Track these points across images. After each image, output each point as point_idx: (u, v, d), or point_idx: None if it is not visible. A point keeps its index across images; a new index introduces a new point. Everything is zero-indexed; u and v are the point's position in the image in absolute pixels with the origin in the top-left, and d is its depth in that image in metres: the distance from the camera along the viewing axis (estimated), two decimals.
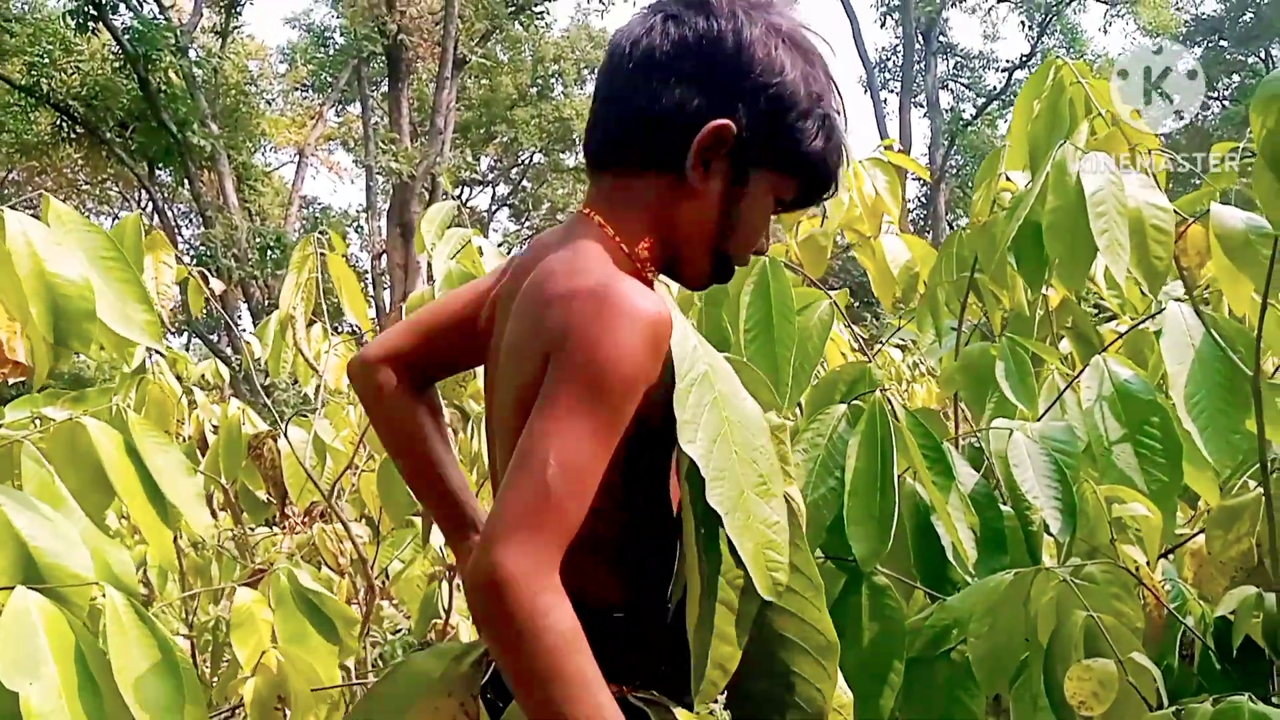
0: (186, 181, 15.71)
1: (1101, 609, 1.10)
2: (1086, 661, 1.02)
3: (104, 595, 1.01)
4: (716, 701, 1.08)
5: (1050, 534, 1.42)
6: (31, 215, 1.21)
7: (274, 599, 1.43)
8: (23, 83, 14.76)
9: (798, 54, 1.01)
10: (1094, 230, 1.23)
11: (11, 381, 1.38)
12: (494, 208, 31.32)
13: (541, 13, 17.13)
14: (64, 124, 15.94)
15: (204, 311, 2.32)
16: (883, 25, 24.37)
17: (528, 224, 31.06)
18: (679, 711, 0.96)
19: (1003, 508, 1.55)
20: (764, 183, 1.03)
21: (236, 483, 2.04)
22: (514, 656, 0.82)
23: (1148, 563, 1.42)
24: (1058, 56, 1.54)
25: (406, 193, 15.97)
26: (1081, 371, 1.68)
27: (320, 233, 2.01)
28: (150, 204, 18.62)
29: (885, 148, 2.14)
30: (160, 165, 15.90)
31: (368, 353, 1.20)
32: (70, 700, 0.92)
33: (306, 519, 2.16)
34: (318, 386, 2.08)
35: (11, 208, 1.20)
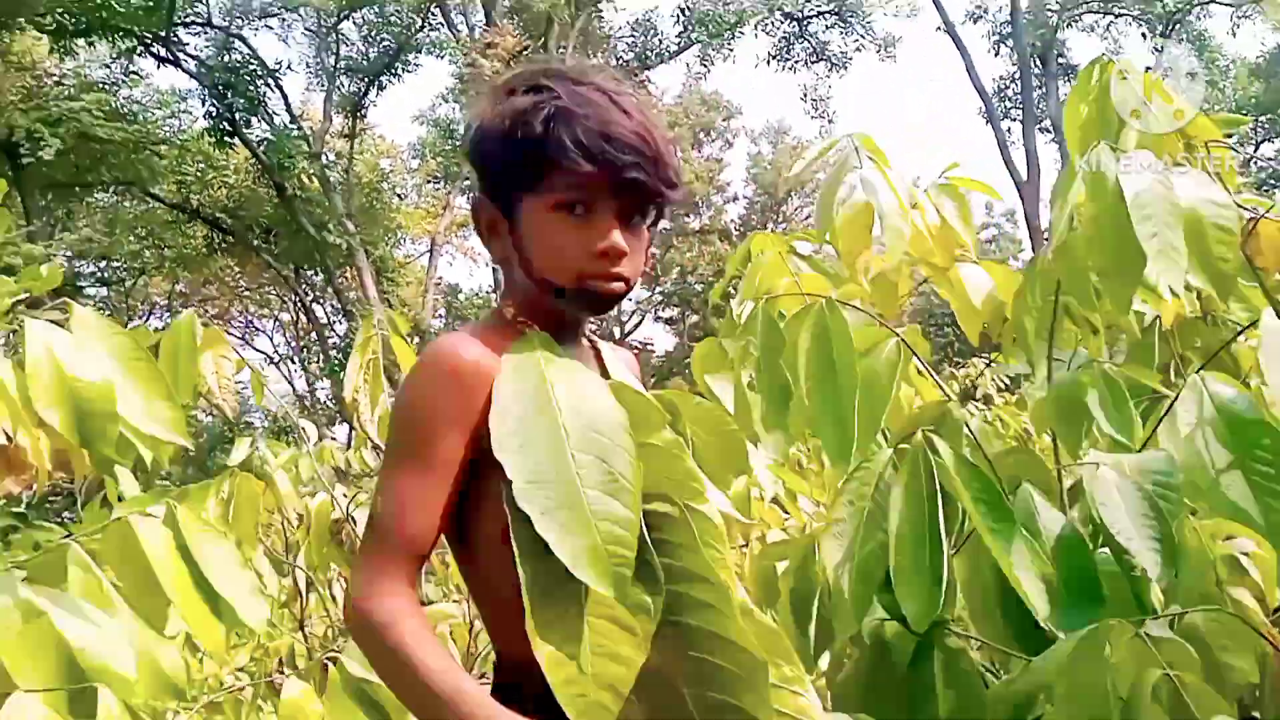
0: (328, 280, 16.49)
1: (1185, 666, 0.96)
2: None
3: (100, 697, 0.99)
4: None
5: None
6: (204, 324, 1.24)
7: (328, 691, 1.41)
8: (174, 200, 15.85)
9: (497, 99, 1.12)
10: (1140, 235, 1.11)
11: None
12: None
13: (642, 81, 17.43)
14: (215, 235, 17.03)
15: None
16: (996, 54, 23.82)
17: (659, 290, 31.40)
18: None
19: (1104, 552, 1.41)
20: (528, 209, 1.09)
21: (317, 569, 2.06)
22: (380, 666, 0.98)
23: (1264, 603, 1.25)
24: (1107, 59, 1.42)
25: None
26: (1178, 395, 1.53)
27: (379, 321, 2.03)
28: (298, 304, 19.62)
29: (950, 170, 2.03)
30: (303, 267, 16.76)
31: None
32: None
33: None
34: None
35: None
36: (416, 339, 14.90)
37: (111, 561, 1.39)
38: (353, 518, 1.99)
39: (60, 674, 1.18)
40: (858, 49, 22.97)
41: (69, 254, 16.90)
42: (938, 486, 1.13)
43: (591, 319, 1.21)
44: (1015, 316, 2.01)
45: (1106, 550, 1.40)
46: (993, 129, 22.82)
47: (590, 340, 1.22)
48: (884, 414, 1.74)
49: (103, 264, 18.44)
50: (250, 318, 27.95)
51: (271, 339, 28.65)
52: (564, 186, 1.06)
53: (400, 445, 1.03)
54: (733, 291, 2.46)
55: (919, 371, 2.26)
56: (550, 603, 0.87)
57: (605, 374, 1.17)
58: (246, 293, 24.40)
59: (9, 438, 1.16)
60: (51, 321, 1.24)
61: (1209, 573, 1.27)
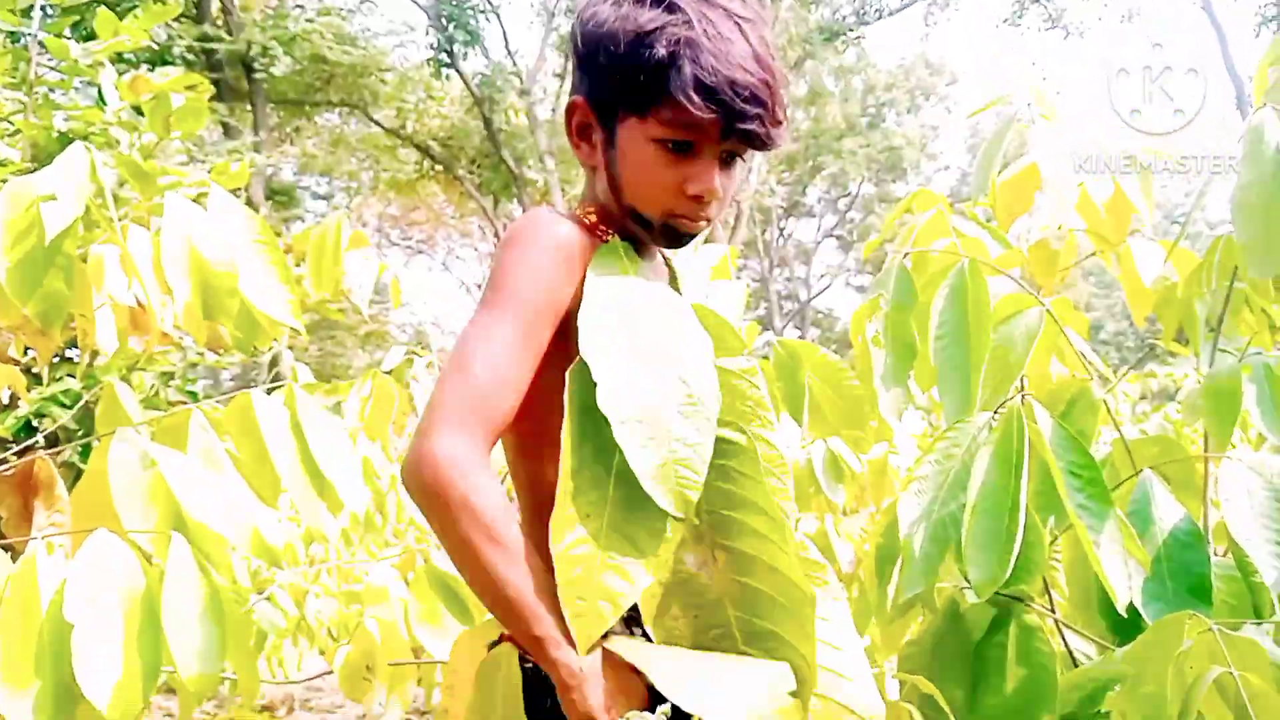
0: (523, 211, 16.98)
1: (1255, 667, 0.87)
2: None
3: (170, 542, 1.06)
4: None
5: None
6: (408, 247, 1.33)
7: (413, 581, 1.46)
8: (392, 125, 16.62)
9: (624, 4, 1.03)
10: None
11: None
12: (820, 239, 31.25)
13: (858, 38, 16.89)
14: (426, 162, 17.78)
15: None
16: (1257, 35, 21.80)
17: (854, 256, 30.71)
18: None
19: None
20: (630, 132, 1.05)
21: None
22: (453, 532, 0.87)
23: None
24: None
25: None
26: None
27: None
28: (495, 235, 20.29)
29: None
30: (501, 199, 17.30)
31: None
32: (129, 640, 0.98)
33: None
34: None
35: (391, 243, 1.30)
36: None
37: (231, 433, 1.48)
38: None
39: (164, 524, 1.26)
40: (1098, 18, 21.48)
41: (294, 166, 18.07)
42: (1027, 453, 1.06)
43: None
44: (1185, 300, 1.85)
45: None
46: (1241, 116, 20.98)
47: (663, 255, 1.19)
48: (1012, 383, 1.64)
49: (323, 180, 19.62)
50: (452, 245, 29.16)
51: (469, 267, 29.84)
52: (674, 123, 1.01)
53: (504, 308, 0.96)
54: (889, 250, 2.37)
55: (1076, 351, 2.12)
56: (580, 502, 0.87)
57: (677, 289, 1.15)
58: (451, 221, 25.44)
59: (139, 302, 1.25)
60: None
61: None
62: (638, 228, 1.08)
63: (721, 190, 1.06)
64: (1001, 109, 1.92)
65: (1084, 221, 1.93)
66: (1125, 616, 1.22)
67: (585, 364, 0.90)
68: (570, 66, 1.14)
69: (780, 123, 1.04)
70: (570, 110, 1.10)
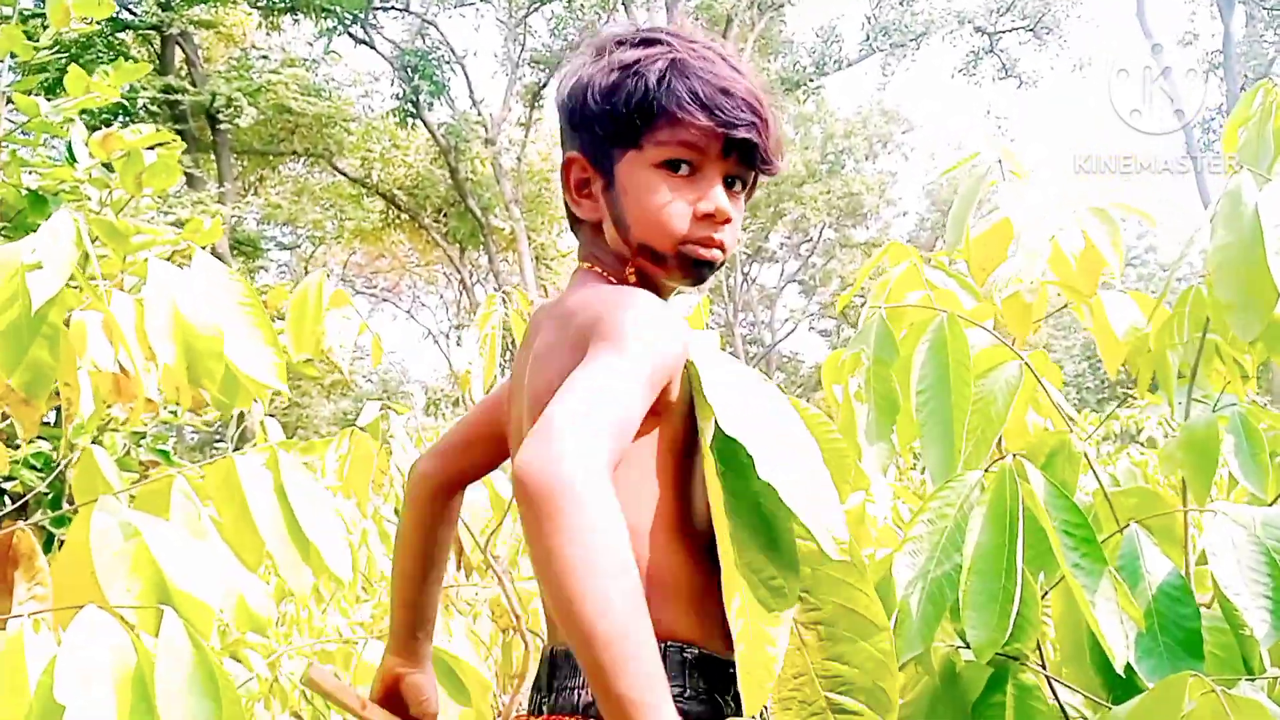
0: (489, 262, 17.02)
1: None
2: None
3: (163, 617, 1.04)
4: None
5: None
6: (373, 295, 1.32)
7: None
8: (357, 174, 16.64)
9: (600, 52, 1.06)
10: (1273, 268, 1.01)
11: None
12: (783, 284, 31.50)
13: (818, 88, 17.19)
14: (391, 211, 17.78)
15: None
16: (1204, 83, 22.45)
17: (816, 300, 30.98)
18: None
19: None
20: (629, 166, 1.04)
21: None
22: (562, 544, 0.75)
23: None
24: (1272, 82, 1.30)
25: None
26: None
27: (504, 292, 2.06)
28: (461, 284, 20.29)
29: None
30: (468, 247, 17.32)
31: (423, 466, 1.35)
32: (121, 718, 0.95)
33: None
34: None
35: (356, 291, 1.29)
36: None
37: (214, 498, 1.46)
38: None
39: (149, 596, 1.24)
40: (1050, 67, 22.02)
41: (258, 216, 18.00)
42: (1021, 513, 1.06)
43: (687, 288, 1.17)
44: (1158, 350, 1.88)
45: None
46: (1191, 162, 21.55)
47: None
48: (995, 437, 1.66)
49: (287, 229, 19.56)
50: (417, 293, 29.10)
51: (434, 315, 29.76)
52: (673, 141, 1.00)
53: (622, 353, 0.89)
54: (861, 301, 2.40)
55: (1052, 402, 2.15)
56: (741, 569, 0.87)
57: None
58: (416, 269, 25.40)
59: (123, 369, 1.24)
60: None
61: None
62: (654, 266, 1.05)
63: (732, 213, 1.04)
64: (972, 166, 1.96)
65: (1056, 274, 1.96)
66: (1125, 676, 1.23)
67: (724, 438, 0.91)
68: (559, 129, 1.14)
69: (776, 137, 1.05)
70: (566, 167, 1.08)
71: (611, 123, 1.02)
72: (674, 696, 0.77)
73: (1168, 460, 1.67)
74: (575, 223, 1.14)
